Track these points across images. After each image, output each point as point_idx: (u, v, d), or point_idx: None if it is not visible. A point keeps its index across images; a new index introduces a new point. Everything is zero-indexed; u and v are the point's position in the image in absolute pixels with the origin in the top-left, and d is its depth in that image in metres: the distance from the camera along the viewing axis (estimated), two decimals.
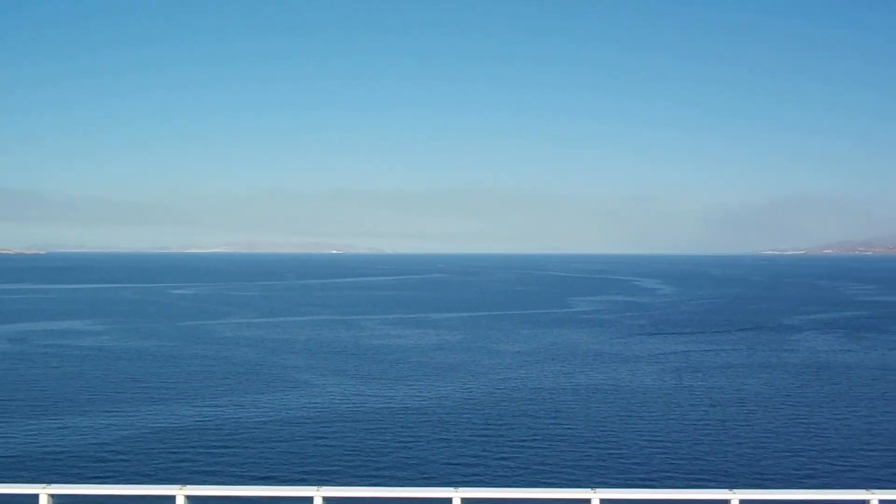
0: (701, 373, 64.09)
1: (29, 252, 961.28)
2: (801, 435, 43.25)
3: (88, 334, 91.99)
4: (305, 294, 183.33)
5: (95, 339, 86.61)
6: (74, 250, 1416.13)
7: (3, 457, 38.53)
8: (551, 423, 45.88)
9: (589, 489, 13.07)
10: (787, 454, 39.37)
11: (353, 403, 51.57)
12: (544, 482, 34.37)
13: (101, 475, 35.22)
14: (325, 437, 42.47)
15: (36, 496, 12.92)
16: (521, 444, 41.24)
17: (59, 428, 44.27)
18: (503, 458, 38.52)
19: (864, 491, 13.16)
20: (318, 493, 12.95)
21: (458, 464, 37.64)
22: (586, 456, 38.99)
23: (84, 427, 44.51)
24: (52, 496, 12.93)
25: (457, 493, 12.92)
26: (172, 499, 13.00)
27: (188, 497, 13.05)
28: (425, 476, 35.53)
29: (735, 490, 13.09)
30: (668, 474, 35.76)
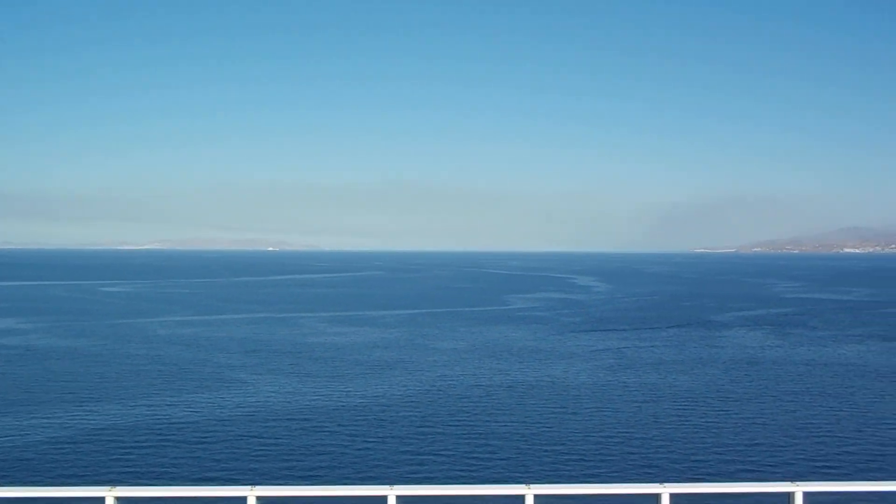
0: (634, 369, 65.12)
1: None
2: (731, 429, 44.25)
3: (14, 333, 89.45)
4: (241, 291, 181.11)
5: (22, 338, 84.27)
6: None
7: None
8: (487, 420, 46.14)
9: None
10: (718, 448, 40.24)
11: (289, 402, 51.14)
12: (479, 478, 34.56)
13: (26, 477, 34.28)
14: (260, 437, 42.03)
15: None
16: (457, 440, 41.39)
17: None
18: (439, 455, 38.61)
19: (789, 483, 13.47)
20: (251, 492, 12.81)
21: (394, 461, 37.60)
22: (521, 452, 39.30)
23: (9, 427, 43.27)
24: None
25: (392, 491, 12.89)
26: (102, 500, 12.73)
27: (118, 498, 12.79)
28: (361, 474, 35.42)
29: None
30: (602, 470, 36.26)
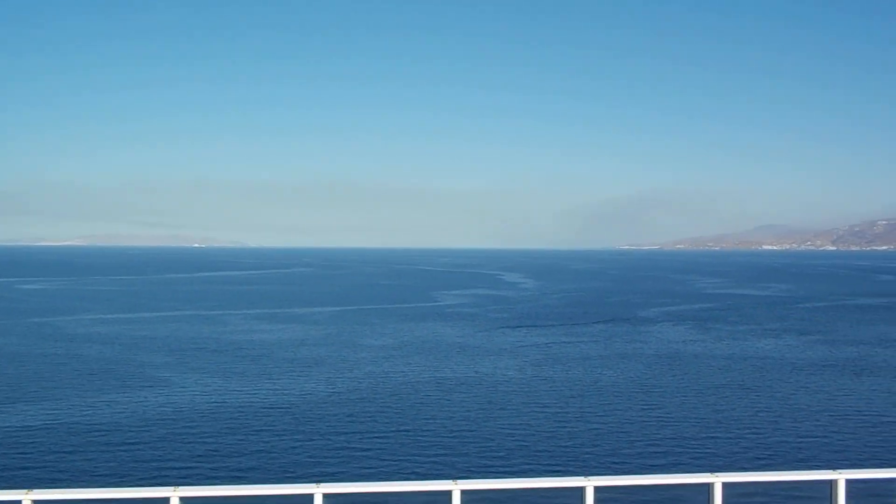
0: (560, 364, 65.95)
1: None
2: (654, 423, 45.15)
3: None
4: (165, 289, 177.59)
5: None
6: None
7: None
8: (415, 417, 46.18)
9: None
10: (642, 441, 41.01)
11: (214, 401, 50.34)
12: (406, 475, 34.59)
13: None
14: (184, 437, 41.27)
15: None
16: (385, 438, 41.32)
17: None
18: (366, 452, 38.50)
19: (709, 474, 13.76)
20: (174, 493, 12.61)
21: (320, 459, 37.36)
22: (448, 448, 39.45)
23: None
24: None
25: (318, 489, 12.84)
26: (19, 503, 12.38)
27: (35, 501, 12.46)
28: (287, 473, 35.10)
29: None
30: (528, 464, 36.62)
